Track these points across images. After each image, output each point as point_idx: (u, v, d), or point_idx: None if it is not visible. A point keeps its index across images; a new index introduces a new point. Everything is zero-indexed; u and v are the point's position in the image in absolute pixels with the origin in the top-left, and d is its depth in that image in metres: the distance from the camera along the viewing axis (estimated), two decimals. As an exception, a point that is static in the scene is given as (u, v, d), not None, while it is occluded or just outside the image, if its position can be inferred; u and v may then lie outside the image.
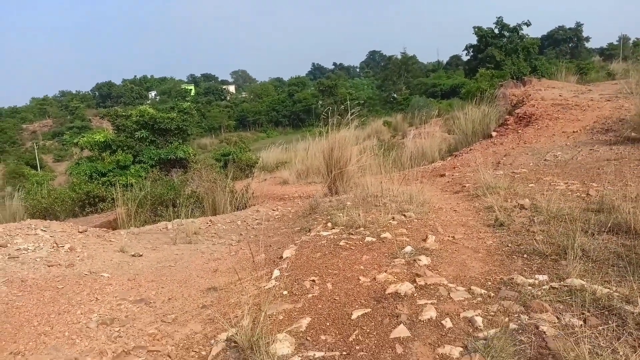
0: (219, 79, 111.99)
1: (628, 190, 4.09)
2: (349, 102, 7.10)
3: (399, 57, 67.69)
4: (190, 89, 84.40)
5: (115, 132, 15.40)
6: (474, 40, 40.00)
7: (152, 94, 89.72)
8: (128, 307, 3.19)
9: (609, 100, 10.11)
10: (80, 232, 4.89)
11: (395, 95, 59.59)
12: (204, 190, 7.65)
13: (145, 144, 14.87)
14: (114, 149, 14.33)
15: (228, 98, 79.29)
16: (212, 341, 2.68)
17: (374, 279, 3.14)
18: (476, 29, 39.45)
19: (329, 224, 4.53)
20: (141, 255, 4.41)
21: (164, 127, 15.10)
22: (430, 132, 13.40)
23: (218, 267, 4.05)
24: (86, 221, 8.15)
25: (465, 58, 46.10)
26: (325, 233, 4.26)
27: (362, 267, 3.38)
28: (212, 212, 7.21)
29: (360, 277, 3.19)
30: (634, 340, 2.14)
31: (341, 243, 3.86)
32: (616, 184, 4.59)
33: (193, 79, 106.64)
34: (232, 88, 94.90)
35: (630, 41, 55.48)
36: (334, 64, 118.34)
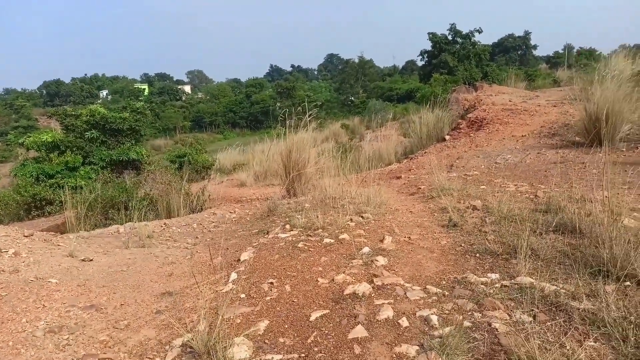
0: (174, 79, 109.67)
1: (573, 192, 4.31)
2: (307, 104, 7.10)
3: (357, 60, 68.43)
4: (144, 89, 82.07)
5: (64, 132, 14.75)
6: (428, 46, 41.06)
7: (104, 93, 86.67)
8: (78, 314, 3.06)
9: (555, 106, 10.61)
10: (26, 237, 4.66)
11: (352, 98, 60.22)
12: (158, 192, 7.46)
13: (96, 145, 14.34)
14: (63, 149, 13.72)
15: (183, 98, 77.56)
16: (167, 347, 2.61)
17: (332, 280, 3.15)
18: (430, 35, 40.54)
19: (288, 226, 4.52)
20: (91, 260, 4.24)
21: (116, 128, 14.61)
22: (387, 135, 13.62)
23: (173, 271, 3.95)
24: (32, 225, 7.77)
25: (420, 63, 47.26)
26: (283, 235, 4.24)
27: (320, 268, 3.39)
28: (167, 215, 7.03)
29: (319, 279, 3.20)
30: (580, 335, 2.25)
31: (299, 245, 3.86)
32: (562, 185, 4.81)
33: (147, 78, 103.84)
34: (187, 88, 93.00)
35: (574, 50, 58.38)
36: (292, 66, 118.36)
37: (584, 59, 40.29)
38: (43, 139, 13.81)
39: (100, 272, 3.89)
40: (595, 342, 2.17)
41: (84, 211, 6.55)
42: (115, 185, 9.01)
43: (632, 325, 2.22)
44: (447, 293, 2.85)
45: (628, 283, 2.65)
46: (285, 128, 6.75)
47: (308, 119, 6.79)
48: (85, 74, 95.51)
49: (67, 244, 4.74)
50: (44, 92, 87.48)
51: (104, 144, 14.50)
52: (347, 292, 2.92)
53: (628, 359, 2.04)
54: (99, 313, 3.10)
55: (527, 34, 74.22)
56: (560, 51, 61.71)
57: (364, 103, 44.51)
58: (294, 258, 3.62)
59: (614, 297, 2.49)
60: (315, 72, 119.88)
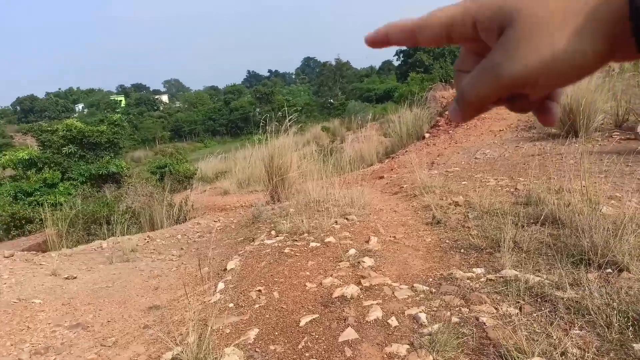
0: (151, 89, 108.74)
1: (552, 183, 4.39)
2: (286, 108, 7.11)
3: (334, 63, 68.67)
4: (121, 100, 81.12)
5: (41, 148, 14.51)
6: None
7: (79, 106, 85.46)
8: (64, 334, 3.01)
9: (530, 100, 10.77)
10: (6, 257, 4.56)
11: (331, 100, 60.37)
12: (140, 205, 7.37)
13: (74, 160, 14.13)
14: (40, 166, 13.48)
15: (161, 108, 76.87)
16: (157, 361, 2.58)
17: (320, 284, 3.16)
18: (406, 35, 40.83)
19: (273, 232, 4.51)
20: (75, 278, 4.17)
21: (94, 141, 14.43)
22: (368, 136, 13.68)
23: (159, 284, 3.91)
24: (12, 245, 7.60)
25: (396, 63, 47.63)
26: (269, 241, 4.24)
27: (308, 273, 3.39)
28: (150, 228, 6.96)
29: (307, 283, 3.20)
30: (566, 324, 2.29)
31: (286, 250, 3.85)
32: (541, 177, 4.90)
33: (123, 90, 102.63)
34: (165, 98, 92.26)
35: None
36: (270, 70, 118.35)
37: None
38: (19, 157, 13.56)
39: (85, 290, 3.84)
40: (581, 330, 2.22)
41: (65, 228, 6.45)
42: (96, 200, 8.88)
43: (615, 312, 2.27)
44: (434, 290, 2.87)
45: (609, 270, 2.71)
46: (266, 133, 6.74)
47: (288, 124, 6.80)
48: (59, 88, 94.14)
49: (49, 262, 4.65)
50: (18, 108, 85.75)
51: (82, 159, 14.30)
52: (335, 295, 2.93)
53: (613, 345, 2.08)
54: (86, 331, 3.06)
55: (500, 29, 75.31)
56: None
57: (344, 105, 44.70)
58: (280, 264, 3.61)
59: (597, 284, 2.55)
60: (293, 76, 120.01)
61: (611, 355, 2.02)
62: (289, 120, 6.83)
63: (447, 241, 3.74)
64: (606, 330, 2.17)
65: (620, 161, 4.82)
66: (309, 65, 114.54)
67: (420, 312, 2.59)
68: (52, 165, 13.61)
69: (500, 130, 8.81)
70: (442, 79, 26.18)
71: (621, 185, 4.24)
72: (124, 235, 5.83)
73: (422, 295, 2.82)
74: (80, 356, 2.73)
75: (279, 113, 7.10)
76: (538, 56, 0.39)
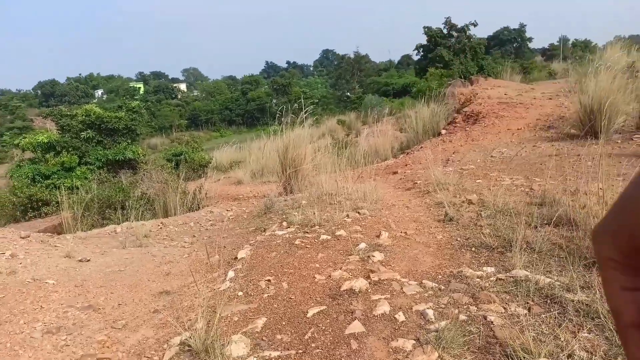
0: (170, 77, 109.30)
1: (568, 185, 4.33)
2: (303, 100, 7.10)
3: (352, 56, 68.26)
4: (139, 87, 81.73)
5: (60, 132, 14.70)
6: (424, 40, 40.99)
7: (99, 92, 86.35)
8: (75, 315, 3.07)
9: (550, 99, 10.62)
10: (23, 238, 4.66)
11: (348, 94, 60.07)
12: (155, 191, 7.44)
13: (92, 145, 14.30)
14: (59, 150, 13.68)
15: (179, 96, 77.26)
16: (165, 346, 2.62)
17: (329, 276, 3.17)
18: (426, 29, 40.42)
19: (284, 223, 4.53)
20: (89, 260, 4.25)
21: (112, 127, 14.57)
22: (383, 131, 13.60)
23: (170, 270, 3.96)
24: (29, 226, 7.75)
25: (415, 58, 47.13)
26: (280, 232, 4.26)
27: (317, 265, 3.40)
28: (164, 214, 7.03)
29: (316, 275, 3.21)
30: (574, 327, 2.27)
31: (296, 242, 3.87)
32: (557, 178, 4.83)
33: (142, 77, 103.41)
34: (183, 86, 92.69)
35: (570, 42, 58.41)
36: (288, 62, 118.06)
37: (579, 51, 40.36)
38: (39, 140, 13.77)
39: (97, 272, 3.90)
40: (589, 333, 2.20)
41: (81, 211, 6.55)
42: (111, 185, 8.99)
43: (625, 316, 2.24)
44: (443, 287, 2.86)
45: (622, 274, 2.67)
46: (282, 125, 6.75)
47: (304, 116, 6.80)
48: (80, 74, 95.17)
49: (64, 244, 4.74)
50: (39, 92, 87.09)
51: (99, 144, 14.46)
52: (344, 288, 2.94)
53: (621, 349, 2.06)
54: (97, 313, 3.12)
55: (522, 26, 74.08)
56: (556, 43, 61.60)
57: (360, 98, 44.45)
58: (291, 255, 3.63)
59: (608, 288, 2.51)
60: (311, 68, 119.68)
61: (618, 359, 2.00)
62: (305, 112, 6.82)
63: (458, 239, 3.72)
64: (615, 334, 2.15)
65: (640, 164, 4.73)
66: (327, 57, 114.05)
67: (428, 308, 2.59)
68: (70, 149, 13.80)
69: (518, 129, 8.70)
70: (462, 75, 25.90)
71: (639, 189, 4.16)
72: (137, 220, 5.90)
73: (430, 292, 2.81)
74: (90, 337, 2.78)
75: (296, 105, 7.10)
76: None
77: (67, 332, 2.83)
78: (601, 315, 2.27)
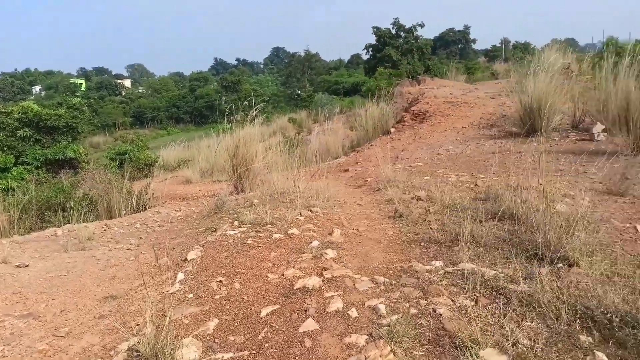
0: (113, 73, 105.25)
1: (510, 181, 4.52)
2: (253, 98, 7.02)
3: (303, 54, 68.31)
4: (81, 84, 78.14)
5: (-6, 130, 13.87)
6: (373, 39, 41.62)
7: (37, 88, 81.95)
8: (13, 323, 2.89)
9: (493, 98, 11.07)
10: (-48, 244, 4.34)
11: (299, 92, 60.06)
12: (98, 192, 7.13)
13: (30, 144, 13.58)
14: (-8, 149, 12.90)
15: (123, 93, 74.52)
16: (112, 352, 2.52)
17: (283, 275, 3.15)
18: (375, 29, 41.08)
19: (236, 223, 4.47)
20: (27, 266, 4.01)
21: (51, 125, 13.90)
22: (334, 129, 13.71)
23: (116, 273, 3.82)
24: (-41, 231, 7.24)
25: (365, 57, 47.81)
26: (231, 232, 4.19)
27: (270, 264, 3.38)
28: (108, 216, 6.75)
29: (269, 274, 3.19)
30: (518, 316, 2.37)
31: (249, 241, 3.83)
32: (500, 175, 5.04)
33: (84, 73, 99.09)
34: (127, 82, 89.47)
35: (511, 44, 61.00)
36: (237, 59, 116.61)
37: (519, 53, 42.23)
38: (-30, 139, 12.92)
39: (37, 278, 3.70)
40: (532, 322, 2.30)
41: (17, 214, 6.19)
42: (51, 185, 8.55)
43: (564, 305, 2.37)
44: (394, 282, 2.92)
45: (560, 265, 2.82)
46: (232, 123, 6.65)
47: (255, 114, 6.72)
48: (16, 69, 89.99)
49: (-1, 249, 4.46)
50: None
51: (38, 143, 13.76)
52: (297, 286, 2.93)
53: (561, 336, 2.17)
54: (37, 321, 2.95)
55: (466, 28, 76.82)
56: (498, 45, 64.19)
57: (311, 97, 44.56)
58: (243, 255, 3.59)
59: (548, 279, 2.65)
60: (262, 66, 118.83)
61: (559, 346, 2.11)
62: (256, 110, 6.75)
63: (408, 234, 3.81)
64: (555, 322, 2.27)
65: (576, 161, 5.01)
66: (277, 55, 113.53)
67: (380, 303, 2.63)
68: (5, 148, 13.05)
69: (463, 128, 9.00)
70: (409, 75, 26.50)
71: (575, 184, 4.42)
72: (80, 222, 5.64)
73: (382, 287, 2.86)
74: (30, 346, 2.63)
75: (246, 102, 7.01)
76: None
77: (4, 342, 2.66)
78: (542, 305, 2.38)
